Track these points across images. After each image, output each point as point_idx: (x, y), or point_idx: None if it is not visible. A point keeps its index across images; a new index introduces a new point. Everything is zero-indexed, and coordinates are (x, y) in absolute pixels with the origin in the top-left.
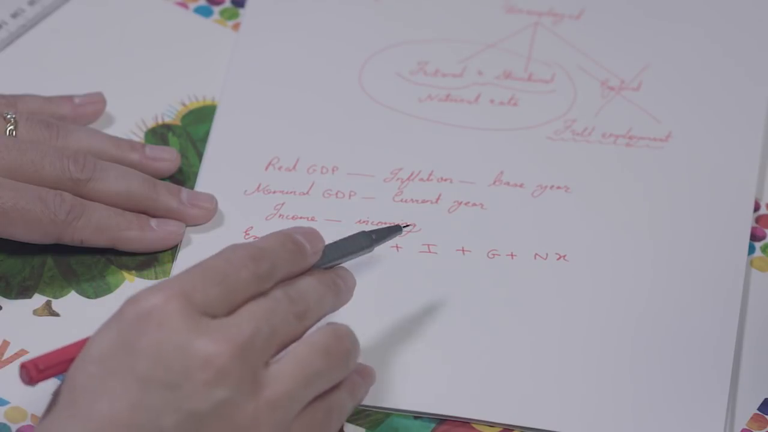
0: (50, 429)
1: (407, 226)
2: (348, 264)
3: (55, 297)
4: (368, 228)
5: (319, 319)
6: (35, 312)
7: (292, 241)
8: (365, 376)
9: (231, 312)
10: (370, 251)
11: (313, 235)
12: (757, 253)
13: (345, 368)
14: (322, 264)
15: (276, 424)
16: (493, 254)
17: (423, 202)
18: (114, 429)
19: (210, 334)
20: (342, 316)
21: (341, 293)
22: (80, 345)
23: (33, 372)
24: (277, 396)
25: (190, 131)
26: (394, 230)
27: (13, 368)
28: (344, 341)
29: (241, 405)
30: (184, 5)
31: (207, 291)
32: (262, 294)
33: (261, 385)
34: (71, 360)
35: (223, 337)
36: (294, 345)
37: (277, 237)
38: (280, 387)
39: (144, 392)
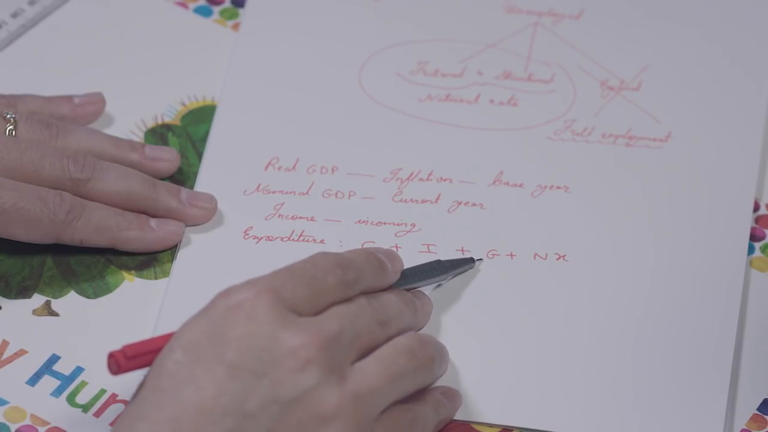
0: (138, 414)
1: (480, 259)
2: None
3: (55, 297)
4: (366, 226)
5: (398, 332)
6: (35, 312)
7: (375, 257)
8: (451, 398)
9: (317, 313)
10: (444, 280)
11: (393, 256)
12: (757, 253)
13: (429, 373)
14: (398, 286)
15: (358, 419)
16: (493, 254)
17: (422, 202)
18: (200, 414)
19: (298, 327)
20: None
21: (418, 313)
22: (168, 337)
23: (121, 360)
24: (361, 390)
25: (190, 131)
26: (468, 261)
27: (13, 368)
28: (428, 347)
29: (326, 394)
30: (184, 5)
31: (296, 290)
32: (347, 300)
33: (346, 378)
34: (159, 350)
35: (311, 331)
36: (378, 348)
37: (361, 252)
38: (364, 381)
39: (230, 379)
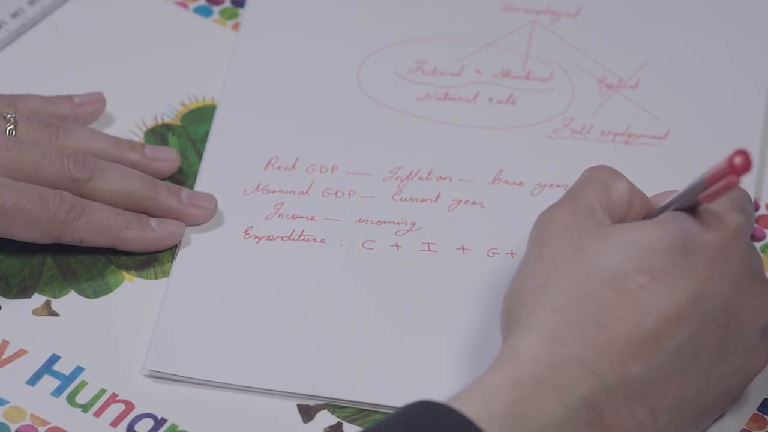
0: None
1: None
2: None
3: (55, 297)
4: (366, 225)
5: None
6: (35, 312)
7: None
8: None
9: None
10: None
11: None
12: None
13: None
14: None
15: None
16: (493, 252)
17: (422, 200)
18: (649, 337)
19: (764, 284)
20: (340, 315)
21: None
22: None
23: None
24: None
25: (190, 131)
26: None
27: (13, 368)
28: None
29: (763, 356)
30: (184, 5)
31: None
32: None
33: None
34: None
35: None
36: None
37: None
38: None
39: (693, 305)
